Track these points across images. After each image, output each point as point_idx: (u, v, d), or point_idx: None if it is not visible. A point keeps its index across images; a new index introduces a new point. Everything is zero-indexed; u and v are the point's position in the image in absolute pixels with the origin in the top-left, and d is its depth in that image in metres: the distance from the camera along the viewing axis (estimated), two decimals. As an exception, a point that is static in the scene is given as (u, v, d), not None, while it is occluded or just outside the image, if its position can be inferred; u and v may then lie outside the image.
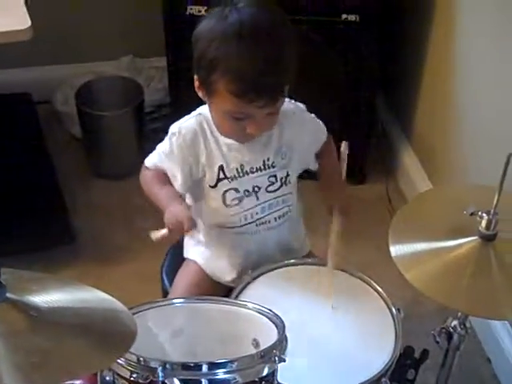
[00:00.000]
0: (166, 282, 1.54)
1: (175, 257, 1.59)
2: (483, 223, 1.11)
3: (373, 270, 1.39)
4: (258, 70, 1.20)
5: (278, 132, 1.36)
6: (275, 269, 1.36)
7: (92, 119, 2.33)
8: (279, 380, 1.04)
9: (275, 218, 1.40)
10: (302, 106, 1.42)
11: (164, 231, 1.28)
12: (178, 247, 1.62)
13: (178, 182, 1.35)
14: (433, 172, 2.21)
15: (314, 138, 1.43)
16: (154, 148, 1.40)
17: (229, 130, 1.30)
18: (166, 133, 1.37)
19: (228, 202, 1.36)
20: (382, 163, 2.39)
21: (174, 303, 1.17)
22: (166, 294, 1.52)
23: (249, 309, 1.14)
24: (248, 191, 1.36)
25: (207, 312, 1.16)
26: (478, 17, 1.88)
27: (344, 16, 2.06)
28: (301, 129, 1.39)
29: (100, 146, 2.39)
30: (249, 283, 1.33)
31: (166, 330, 1.14)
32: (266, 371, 1.00)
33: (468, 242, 1.13)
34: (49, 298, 0.89)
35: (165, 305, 1.16)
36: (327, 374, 1.18)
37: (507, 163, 1.06)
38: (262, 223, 1.39)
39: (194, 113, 1.37)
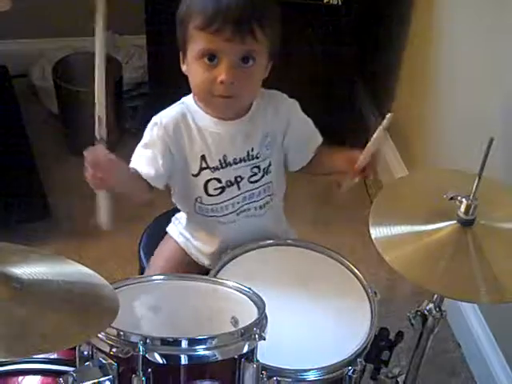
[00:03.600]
0: (143, 259, 1.54)
1: (153, 234, 1.59)
2: (462, 208, 1.13)
3: (350, 254, 1.40)
4: (219, 2, 1.19)
5: (263, 120, 1.35)
6: (254, 249, 1.37)
7: (69, 95, 2.30)
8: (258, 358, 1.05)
9: (255, 208, 1.40)
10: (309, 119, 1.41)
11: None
12: (156, 225, 1.62)
13: (159, 162, 1.32)
14: (409, 159, 2.24)
15: (304, 142, 1.40)
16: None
17: (201, 84, 1.25)
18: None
19: (210, 192, 1.35)
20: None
21: (153, 280, 1.16)
22: (143, 271, 1.52)
23: (228, 287, 1.14)
24: (230, 182, 1.35)
25: (186, 289, 1.16)
26: (460, 7, 1.90)
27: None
28: (291, 125, 1.37)
29: (77, 121, 2.36)
30: (226, 263, 1.33)
31: (145, 306, 1.14)
32: (246, 349, 1.01)
33: (447, 226, 1.14)
34: (31, 270, 0.88)
35: (144, 281, 1.16)
36: (303, 353, 1.19)
37: (489, 147, 1.07)
38: (243, 211, 1.39)
39: (176, 103, 1.35)
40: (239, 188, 1.36)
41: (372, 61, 2.43)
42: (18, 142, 2.26)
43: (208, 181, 1.34)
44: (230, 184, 1.35)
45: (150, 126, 1.34)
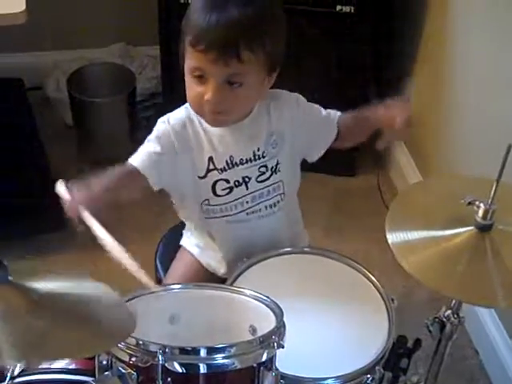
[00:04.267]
0: (159, 269, 1.55)
1: (169, 244, 1.59)
2: (480, 213, 1.12)
3: (365, 260, 1.40)
4: (210, 21, 1.19)
5: (266, 120, 1.35)
6: (270, 257, 1.37)
7: (84, 106, 2.32)
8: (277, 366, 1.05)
9: (266, 207, 1.40)
10: (316, 106, 1.41)
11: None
12: (172, 234, 1.63)
13: (160, 156, 1.31)
14: (423, 164, 2.23)
15: (318, 129, 1.40)
16: (146, 136, 1.39)
17: (192, 98, 1.27)
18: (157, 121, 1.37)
19: (218, 192, 1.36)
20: (373, 156, 2.41)
21: (171, 289, 1.17)
22: (159, 281, 1.52)
23: (246, 296, 1.14)
24: (238, 182, 1.35)
25: (203, 298, 1.17)
26: (473, 13, 1.89)
27: (339, 7, 2.07)
28: (299, 122, 1.37)
29: (92, 133, 2.38)
30: (243, 271, 1.34)
31: (164, 315, 1.14)
32: (264, 357, 1.01)
33: (464, 231, 1.14)
34: (51, 283, 0.89)
35: (161, 291, 1.16)
36: (321, 362, 1.19)
37: (507, 153, 1.06)
38: (253, 212, 1.39)
39: (181, 107, 1.35)
40: (247, 188, 1.36)
41: (386, 67, 2.43)
42: (33, 153, 2.28)
43: (216, 182, 1.34)
44: (238, 184, 1.35)
45: (156, 125, 1.35)
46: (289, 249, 1.38)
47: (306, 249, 1.39)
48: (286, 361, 1.08)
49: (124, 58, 2.60)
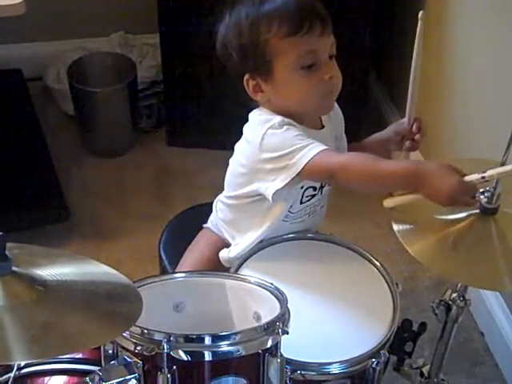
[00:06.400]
0: (163, 258, 1.55)
1: (173, 232, 1.59)
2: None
3: (370, 245, 1.40)
4: (296, 3, 1.21)
5: (331, 124, 1.35)
6: (274, 244, 1.37)
7: (84, 96, 2.31)
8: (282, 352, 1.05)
9: (321, 207, 1.40)
10: None
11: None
12: (176, 223, 1.63)
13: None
14: (426, 149, 2.22)
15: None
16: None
17: (309, 92, 1.23)
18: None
19: (303, 200, 1.33)
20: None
21: (175, 277, 1.17)
22: (164, 270, 1.52)
23: (250, 283, 1.14)
24: (321, 187, 1.33)
25: (209, 286, 1.17)
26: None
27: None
28: (338, 116, 1.39)
29: (93, 122, 2.38)
30: (247, 258, 1.33)
31: (168, 303, 1.14)
32: (269, 343, 1.01)
33: (469, 215, 1.13)
34: (55, 271, 0.89)
35: (167, 279, 1.16)
36: (326, 346, 1.19)
37: (512, 137, 1.06)
38: (313, 213, 1.38)
39: (275, 120, 1.24)
40: (322, 193, 1.35)
41: (386, 51, 2.42)
42: (35, 145, 2.29)
43: (306, 189, 1.32)
44: (318, 189, 1.34)
45: (269, 136, 1.23)
46: (292, 235, 1.37)
47: (309, 234, 1.39)
48: (291, 346, 1.08)
49: (124, 47, 2.59)
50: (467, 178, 1.09)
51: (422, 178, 1.11)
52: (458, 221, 1.14)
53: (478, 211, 1.13)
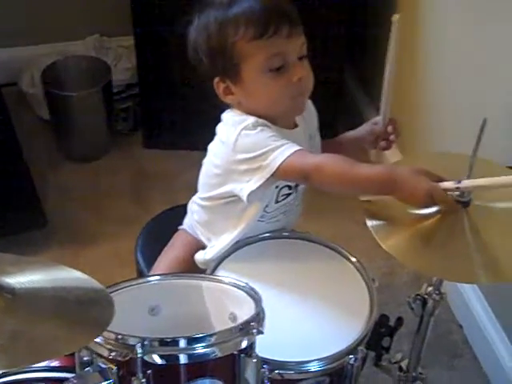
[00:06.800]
0: (140, 261, 1.54)
1: (149, 235, 1.59)
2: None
3: (347, 242, 1.40)
4: (264, 5, 1.19)
5: (304, 122, 1.35)
6: (249, 244, 1.37)
7: (59, 100, 2.30)
8: (257, 353, 1.05)
9: (296, 205, 1.40)
10: None
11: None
12: (153, 226, 1.62)
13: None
14: (402, 142, 2.23)
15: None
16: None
17: (278, 94, 1.22)
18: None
19: (279, 199, 1.33)
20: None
21: (150, 281, 1.16)
22: (141, 274, 1.52)
23: (225, 283, 1.14)
24: (295, 185, 1.33)
25: (183, 288, 1.16)
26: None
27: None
28: (312, 114, 1.38)
29: (69, 127, 2.37)
30: (223, 259, 1.33)
31: (144, 307, 1.14)
32: (244, 344, 1.01)
33: (443, 208, 1.13)
34: (24, 278, 0.88)
35: (141, 283, 1.15)
36: (304, 345, 1.19)
37: (482, 128, 1.06)
38: (289, 211, 1.38)
39: (249, 121, 1.23)
40: (297, 191, 1.35)
41: (361, 47, 2.43)
42: (11, 150, 2.25)
43: (281, 188, 1.31)
44: (294, 188, 1.33)
45: (243, 137, 1.23)
46: (268, 234, 1.37)
47: (284, 233, 1.39)
48: (268, 346, 1.08)
49: (99, 50, 2.58)
50: (442, 185, 1.09)
51: (395, 183, 1.11)
52: (432, 215, 1.13)
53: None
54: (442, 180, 1.10)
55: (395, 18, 1.25)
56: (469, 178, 1.10)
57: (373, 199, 1.18)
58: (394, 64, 1.28)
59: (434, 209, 1.13)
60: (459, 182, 1.08)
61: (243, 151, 1.22)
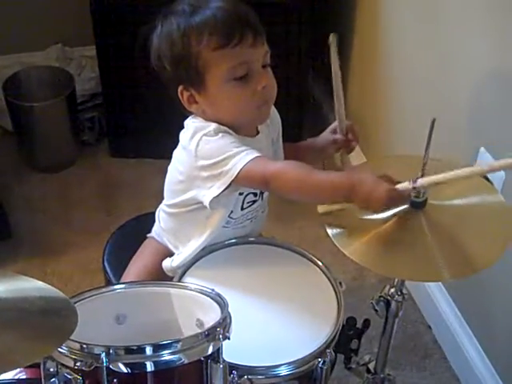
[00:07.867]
0: (108, 270, 1.53)
1: (116, 244, 1.58)
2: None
3: (316, 246, 1.41)
4: (227, 14, 1.18)
5: (267, 128, 1.35)
6: (216, 250, 1.37)
7: (22, 111, 2.28)
8: (224, 358, 1.05)
9: (262, 211, 1.40)
10: None
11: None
12: (119, 235, 1.61)
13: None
14: (366, 145, 2.25)
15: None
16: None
17: (243, 103, 1.22)
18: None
19: (244, 206, 1.33)
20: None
21: (115, 289, 1.15)
22: (109, 283, 1.51)
23: (191, 290, 1.14)
24: (261, 193, 1.33)
25: (149, 295, 1.15)
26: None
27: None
28: (275, 119, 1.39)
29: (33, 138, 2.35)
30: (190, 266, 1.33)
31: (110, 316, 1.13)
32: (210, 349, 1.00)
33: (400, 210, 1.15)
34: (-17, 290, 0.87)
35: (106, 291, 1.14)
36: (273, 349, 1.19)
37: (431, 128, 1.08)
38: (255, 217, 1.38)
39: (210, 128, 1.23)
40: (262, 198, 1.35)
41: (324, 51, 2.44)
42: (-26, 163, 2.24)
43: (247, 195, 1.31)
44: (259, 195, 1.33)
45: (204, 144, 1.23)
46: (234, 240, 1.37)
47: (250, 239, 1.39)
48: (237, 351, 1.08)
49: (62, 60, 2.56)
50: (399, 187, 1.11)
51: (353, 186, 1.11)
52: (390, 217, 1.15)
53: (407, 206, 1.15)
54: (399, 182, 1.12)
55: (332, 37, 1.28)
56: (422, 176, 1.12)
57: (333, 210, 1.19)
58: (339, 77, 1.31)
59: (390, 212, 1.15)
60: (414, 181, 1.10)
61: (204, 157, 1.22)
